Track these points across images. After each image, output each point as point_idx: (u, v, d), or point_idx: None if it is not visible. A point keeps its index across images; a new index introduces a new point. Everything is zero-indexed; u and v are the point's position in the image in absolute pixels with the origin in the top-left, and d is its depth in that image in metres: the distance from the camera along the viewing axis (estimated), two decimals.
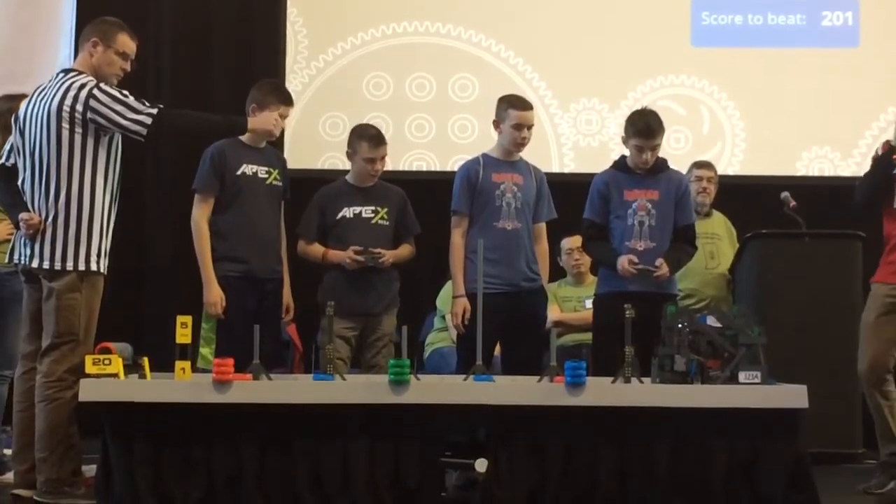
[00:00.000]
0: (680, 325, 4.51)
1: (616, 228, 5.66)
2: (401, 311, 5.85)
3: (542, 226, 5.85)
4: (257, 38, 7.72)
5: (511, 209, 5.68)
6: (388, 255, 5.71)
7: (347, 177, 5.91)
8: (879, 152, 5.47)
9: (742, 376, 4.43)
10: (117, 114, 4.66)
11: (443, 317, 6.76)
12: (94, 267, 4.73)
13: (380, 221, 5.81)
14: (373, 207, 5.81)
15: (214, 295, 5.51)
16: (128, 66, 4.89)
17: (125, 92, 4.72)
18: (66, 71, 4.81)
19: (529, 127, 5.71)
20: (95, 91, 4.66)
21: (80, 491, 4.63)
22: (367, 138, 5.81)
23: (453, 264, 5.70)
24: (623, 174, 5.71)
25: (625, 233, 5.62)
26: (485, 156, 5.79)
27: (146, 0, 7.65)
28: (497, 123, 5.74)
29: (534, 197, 5.77)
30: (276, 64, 7.63)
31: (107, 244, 4.79)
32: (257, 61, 7.62)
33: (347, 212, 5.80)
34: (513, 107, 5.68)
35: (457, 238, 5.70)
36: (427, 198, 6.26)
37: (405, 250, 5.86)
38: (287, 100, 5.67)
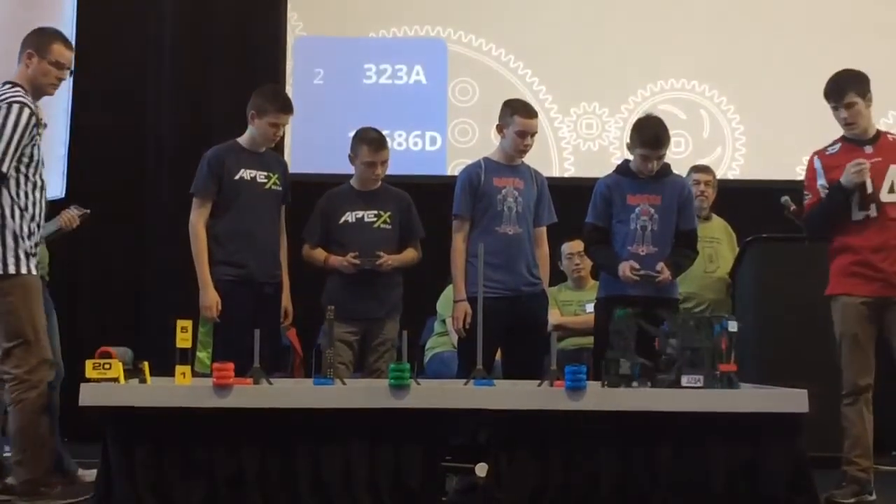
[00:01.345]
0: (626, 329, 4.51)
1: (618, 233, 5.66)
2: (401, 316, 5.85)
3: (543, 230, 5.85)
4: (257, 40, 7.72)
5: (512, 213, 5.68)
6: (388, 259, 5.71)
7: (352, 181, 5.92)
8: (790, 206, 5.57)
9: (684, 380, 4.44)
10: None
11: (443, 321, 6.76)
12: (13, 270, 4.70)
13: (382, 225, 5.81)
14: (375, 212, 5.81)
15: (210, 298, 5.53)
16: (64, 76, 4.93)
17: (24, 134, 4.68)
18: (4, 83, 4.83)
19: (533, 135, 5.72)
20: (10, 108, 4.67)
21: (55, 490, 4.71)
22: (367, 142, 5.81)
23: (454, 268, 5.70)
24: (626, 178, 5.71)
25: (627, 237, 5.62)
26: (486, 160, 5.80)
27: (146, 1, 7.66)
28: (501, 128, 5.75)
29: (535, 201, 5.77)
30: (276, 67, 7.63)
31: (27, 246, 4.73)
32: (258, 64, 7.62)
33: (350, 216, 5.81)
34: (518, 114, 5.68)
35: (458, 242, 5.71)
36: (427, 202, 6.25)
37: (409, 254, 5.86)
38: (285, 108, 5.68)
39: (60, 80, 4.91)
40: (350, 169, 5.93)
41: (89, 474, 5.23)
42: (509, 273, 5.63)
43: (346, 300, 5.59)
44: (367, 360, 5.78)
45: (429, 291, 6.87)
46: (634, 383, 4.49)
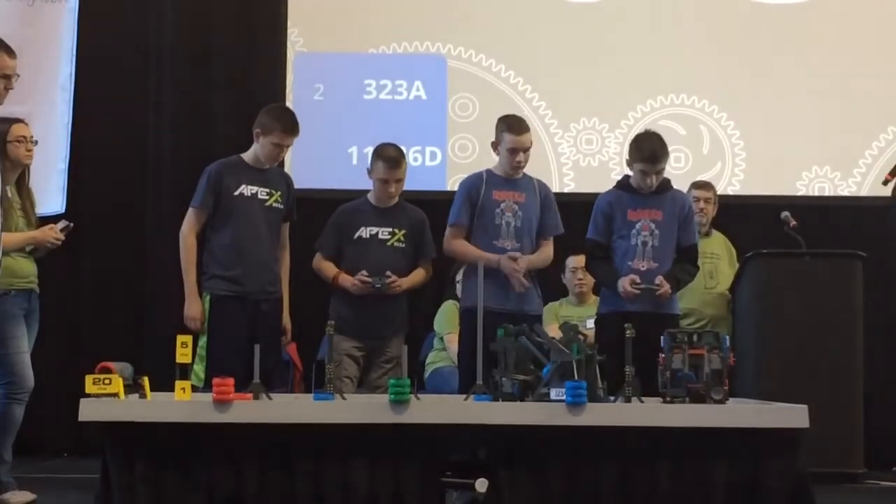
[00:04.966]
0: (507, 347, 4.54)
1: (619, 248, 5.67)
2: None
3: (549, 241, 5.81)
4: (257, 55, 7.72)
5: (510, 228, 5.68)
6: (398, 281, 5.70)
7: (369, 195, 5.92)
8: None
9: (553, 393, 4.44)
10: None
11: (441, 338, 6.76)
12: None
13: (396, 243, 5.81)
14: (390, 229, 5.81)
15: (194, 309, 5.58)
16: (12, 85, 4.93)
17: None
18: None
19: (526, 150, 5.70)
20: None
21: None
22: (383, 159, 5.81)
23: (466, 255, 5.67)
24: (627, 194, 5.72)
25: (627, 252, 5.63)
26: (488, 172, 5.80)
27: (146, 16, 7.67)
28: (495, 145, 5.75)
29: (537, 215, 5.76)
30: (276, 82, 7.63)
31: None
32: (258, 79, 7.62)
33: (364, 232, 5.81)
34: (509, 130, 5.68)
35: (456, 244, 5.68)
36: (428, 217, 6.23)
37: (418, 275, 5.86)
38: (290, 129, 5.68)
39: (8, 89, 4.91)
40: (349, 184, 5.93)
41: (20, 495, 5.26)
42: (508, 289, 5.61)
43: (351, 316, 5.62)
44: (370, 376, 5.77)
45: (428, 307, 6.87)
46: (527, 399, 4.49)
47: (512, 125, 5.73)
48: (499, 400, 4.51)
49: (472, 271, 5.63)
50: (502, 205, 5.69)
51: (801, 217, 6.73)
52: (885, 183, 5.49)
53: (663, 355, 4.55)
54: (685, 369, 4.50)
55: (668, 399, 4.51)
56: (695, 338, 4.57)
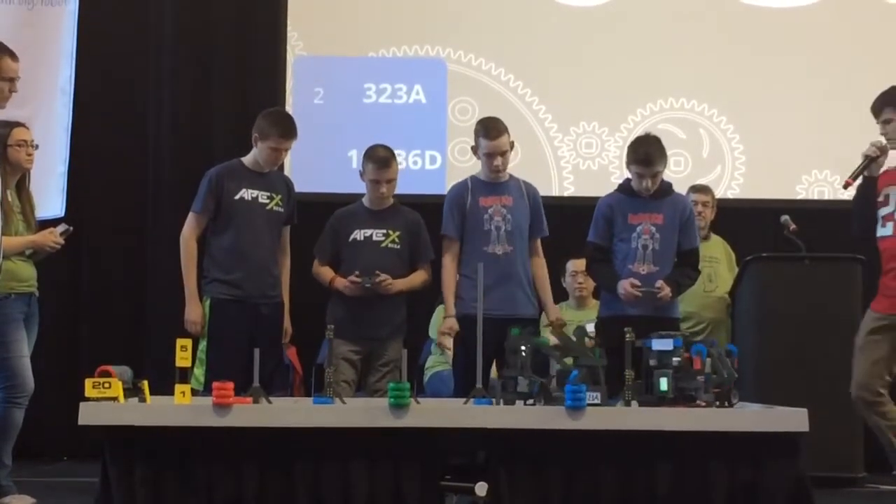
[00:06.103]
0: (522, 347, 4.53)
1: (619, 251, 5.66)
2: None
3: (536, 242, 5.82)
4: (257, 59, 7.72)
5: (501, 233, 5.67)
6: (389, 280, 5.69)
7: (363, 199, 5.92)
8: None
9: (588, 397, 4.43)
10: None
11: (438, 344, 6.76)
12: None
13: (390, 245, 5.80)
14: (384, 231, 5.81)
15: (195, 313, 5.59)
16: (16, 88, 4.98)
17: None
18: None
19: (503, 153, 5.69)
20: None
21: None
22: (374, 160, 5.81)
23: (444, 287, 5.69)
24: (628, 197, 5.71)
25: (628, 256, 5.63)
26: (473, 179, 5.80)
27: (147, 17, 7.67)
28: (475, 150, 5.75)
29: (527, 216, 5.75)
30: (276, 86, 7.64)
31: None
32: (258, 83, 7.63)
33: (358, 234, 5.81)
34: (484, 135, 5.68)
35: (447, 261, 5.71)
36: (427, 221, 6.24)
37: (417, 277, 5.85)
38: (286, 133, 5.68)
39: (12, 92, 4.93)
40: (349, 188, 5.93)
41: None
42: (502, 294, 5.60)
43: (348, 319, 5.62)
44: (368, 380, 5.77)
45: (428, 312, 6.86)
46: (531, 400, 4.49)
47: (487, 129, 5.71)
48: (504, 401, 4.51)
49: (466, 277, 5.64)
50: (490, 210, 5.69)
51: (801, 221, 6.73)
52: (846, 187, 5.55)
53: (677, 359, 4.52)
54: (724, 374, 4.49)
55: (703, 404, 4.49)
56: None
